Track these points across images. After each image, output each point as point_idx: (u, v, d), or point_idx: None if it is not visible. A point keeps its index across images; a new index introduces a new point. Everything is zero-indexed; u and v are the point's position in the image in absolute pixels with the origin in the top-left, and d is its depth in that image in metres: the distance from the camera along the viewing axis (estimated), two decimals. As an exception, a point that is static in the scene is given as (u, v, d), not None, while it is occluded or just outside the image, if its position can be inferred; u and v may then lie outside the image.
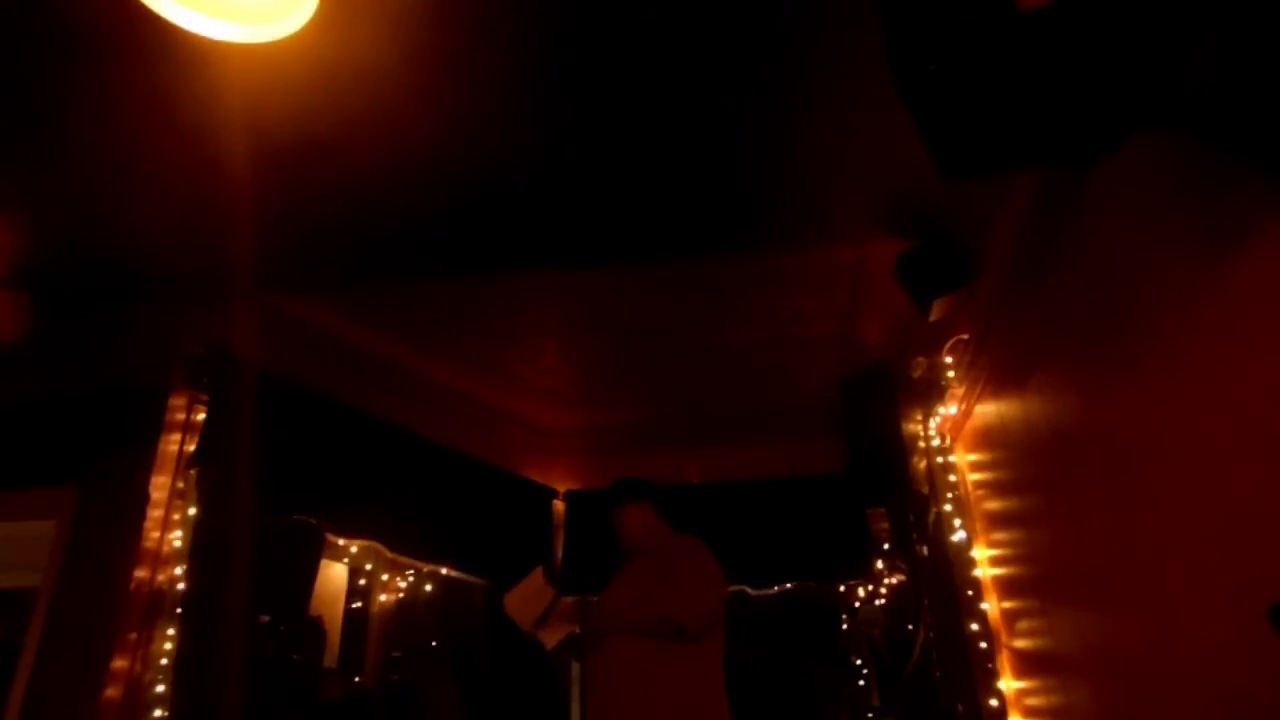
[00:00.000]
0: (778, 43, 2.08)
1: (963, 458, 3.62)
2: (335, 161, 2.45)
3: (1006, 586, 3.19)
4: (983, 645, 3.24)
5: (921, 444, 3.74)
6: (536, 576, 3.06)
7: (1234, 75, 1.34)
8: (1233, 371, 1.58)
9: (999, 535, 3.25)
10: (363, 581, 4.48)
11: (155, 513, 3.21)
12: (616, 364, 3.99)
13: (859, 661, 4.98)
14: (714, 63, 2.15)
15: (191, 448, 3.36)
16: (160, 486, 3.25)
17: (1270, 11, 1.21)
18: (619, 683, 2.82)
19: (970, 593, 3.35)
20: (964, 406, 3.44)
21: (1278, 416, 1.45)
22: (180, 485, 3.31)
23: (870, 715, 4.79)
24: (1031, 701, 2.95)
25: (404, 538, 4.20)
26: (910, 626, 3.96)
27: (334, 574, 4.36)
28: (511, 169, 2.55)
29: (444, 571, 4.54)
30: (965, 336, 3.24)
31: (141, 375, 3.40)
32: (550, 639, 2.97)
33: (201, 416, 3.40)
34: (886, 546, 4.44)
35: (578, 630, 2.97)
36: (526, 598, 3.02)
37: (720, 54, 2.12)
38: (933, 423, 3.69)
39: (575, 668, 4.55)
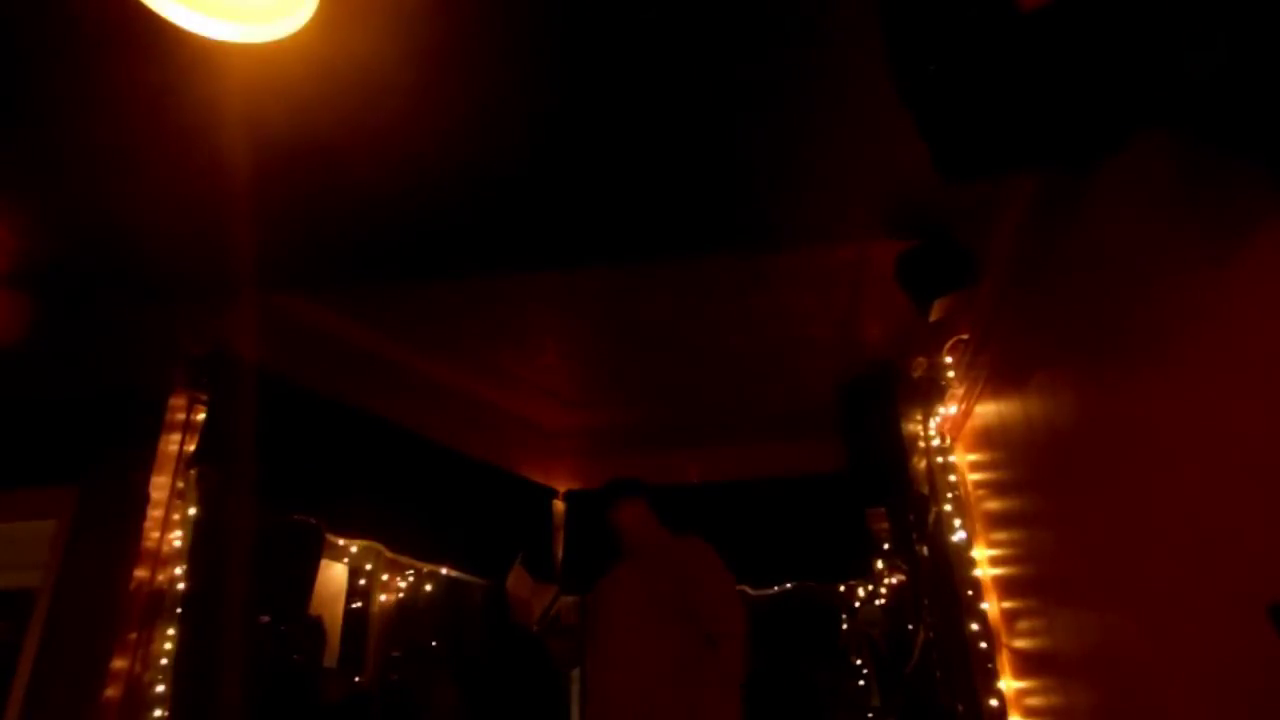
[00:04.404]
0: (778, 43, 2.08)
1: (963, 458, 3.62)
2: (335, 161, 2.45)
3: (1006, 586, 3.19)
4: (983, 645, 3.24)
5: (921, 444, 3.74)
6: (519, 569, 3.10)
7: (1238, 75, 1.34)
8: (1234, 371, 1.58)
9: (999, 535, 3.25)
10: (363, 581, 4.48)
11: (155, 513, 3.21)
12: (616, 364, 3.99)
13: (859, 661, 4.98)
14: (714, 63, 2.15)
15: (191, 448, 3.36)
16: (160, 486, 3.25)
17: (1276, 12, 1.21)
18: (624, 683, 2.82)
19: (970, 593, 3.35)
20: (964, 406, 3.44)
21: (1278, 417, 1.45)
22: (180, 485, 3.31)
23: (870, 715, 4.79)
24: (1031, 701, 2.95)
25: (404, 538, 4.20)
26: (910, 626, 3.96)
27: (334, 574, 4.36)
28: (511, 169, 2.55)
29: (444, 571, 4.54)
30: (965, 336, 3.24)
31: (141, 375, 3.40)
32: (549, 634, 3.01)
33: (201, 416, 3.40)
34: (886, 546, 4.43)
35: (575, 622, 2.98)
36: (523, 581, 3.07)
37: (720, 54, 2.12)
38: (933, 423, 3.69)
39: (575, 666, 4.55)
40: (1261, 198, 1.43)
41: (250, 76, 2.11)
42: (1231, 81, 1.35)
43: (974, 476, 3.52)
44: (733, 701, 2.76)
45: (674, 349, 3.81)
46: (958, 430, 3.61)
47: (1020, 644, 3.06)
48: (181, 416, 3.40)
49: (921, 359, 3.59)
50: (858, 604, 5.02)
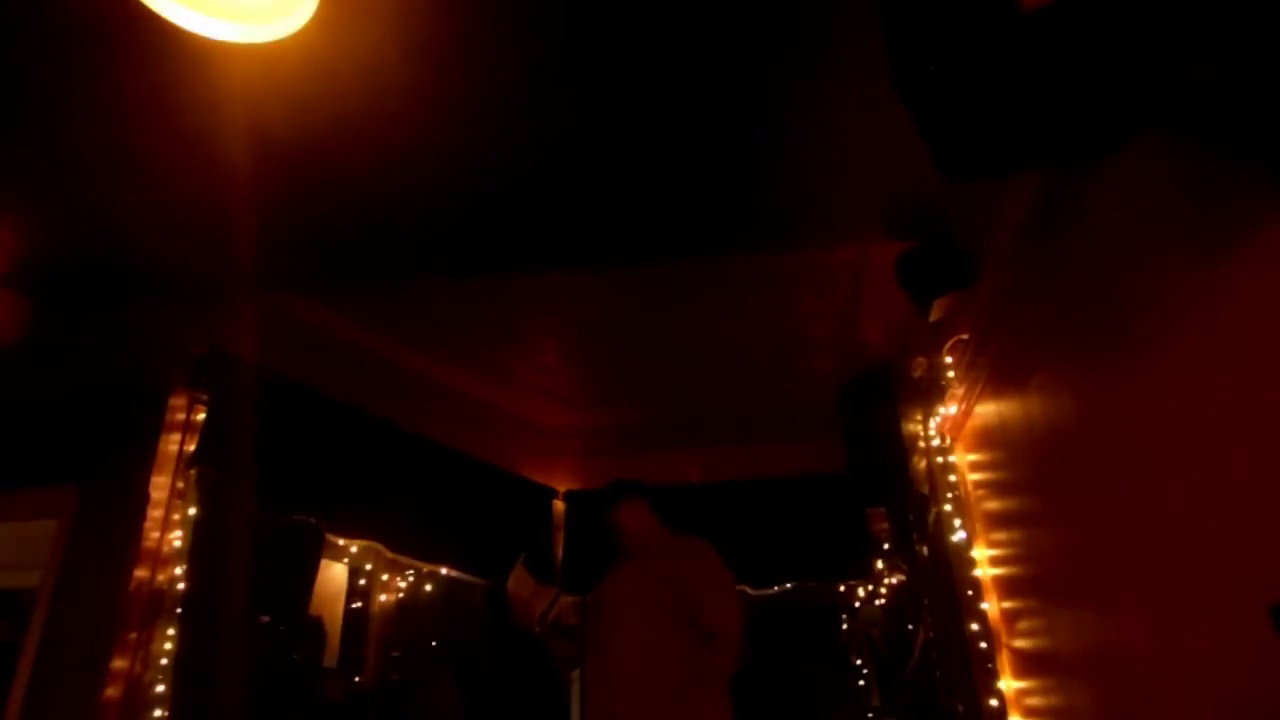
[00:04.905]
0: (779, 43, 2.08)
1: (963, 458, 3.62)
2: (335, 161, 2.45)
3: (1006, 586, 3.19)
4: (983, 645, 3.24)
5: (921, 444, 3.74)
6: (520, 570, 3.11)
7: (1239, 75, 1.34)
8: (1233, 371, 1.58)
9: (999, 535, 3.25)
10: (363, 581, 4.48)
11: (155, 513, 3.21)
12: (616, 364, 3.99)
13: (859, 661, 4.98)
14: (715, 63, 2.15)
15: (191, 448, 3.36)
16: (160, 486, 3.25)
17: (1274, 14, 1.21)
18: (624, 683, 2.82)
19: (970, 593, 3.35)
20: (964, 406, 3.44)
21: (1278, 416, 1.45)
22: (180, 485, 3.31)
23: (870, 715, 4.79)
24: (1031, 701, 2.95)
25: (404, 538, 4.20)
26: (910, 626, 3.96)
27: (334, 574, 4.36)
28: (512, 169, 2.55)
29: (444, 571, 4.54)
30: (965, 336, 3.24)
31: (141, 375, 3.40)
32: (550, 635, 3.01)
33: (201, 416, 3.40)
34: (886, 546, 4.44)
35: (576, 623, 2.99)
36: (524, 581, 3.08)
37: (721, 55, 2.12)
38: (933, 423, 3.69)
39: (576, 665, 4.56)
40: (1261, 198, 1.43)
41: (250, 76, 2.11)
42: (1232, 82, 1.35)
43: (974, 476, 3.52)
44: (724, 700, 2.77)
45: (674, 349, 3.81)
46: (958, 430, 3.61)
47: (1020, 644, 3.06)
48: (181, 416, 3.40)
49: (921, 359, 3.59)
50: (858, 604, 5.02)
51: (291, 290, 3.18)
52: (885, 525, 4.32)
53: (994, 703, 3.11)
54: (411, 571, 4.62)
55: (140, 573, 3.11)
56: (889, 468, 3.84)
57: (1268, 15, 1.22)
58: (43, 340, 3.29)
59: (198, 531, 3.22)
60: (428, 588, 4.65)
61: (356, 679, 4.25)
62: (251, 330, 3.39)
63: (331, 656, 4.19)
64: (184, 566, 3.17)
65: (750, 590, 4.76)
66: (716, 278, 3.26)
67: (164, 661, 3.04)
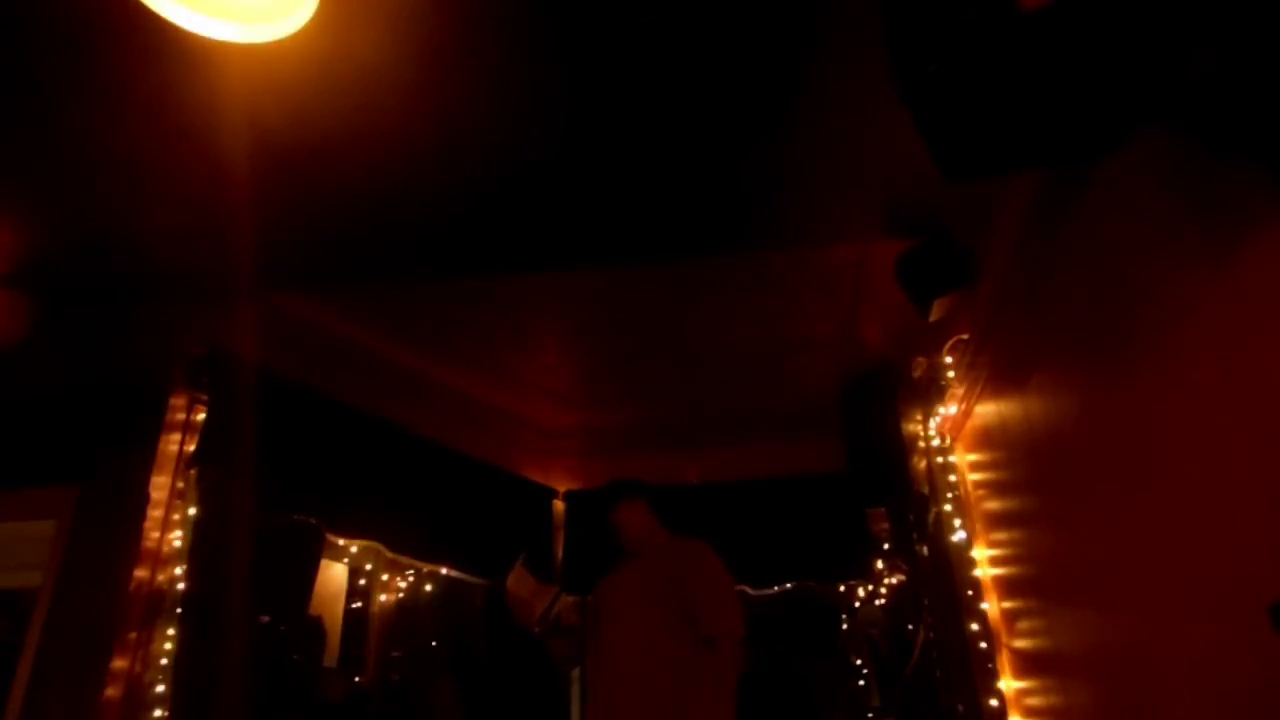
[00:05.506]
0: (779, 43, 2.08)
1: (963, 458, 3.62)
2: (335, 161, 2.45)
3: (1006, 586, 3.19)
4: (983, 645, 3.24)
5: (921, 444, 3.74)
6: (520, 569, 3.12)
7: (1236, 73, 1.34)
8: (1233, 371, 1.58)
9: (999, 535, 3.25)
10: (363, 581, 4.48)
11: (155, 513, 3.21)
12: (617, 364, 3.99)
13: (859, 661, 4.98)
14: (715, 63, 2.15)
15: (191, 448, 3.36)
16: (160, 486, 3.25)
17: (1272, 11, 1.21)
18: (624, 683, 2.82)
19: (970, 593, 3.34)
20: (964, 406, 3.44)
21: (1278, 416, 1.45)
22: (180, 485, 3.31)
23: (870, 715, 4.79)
24: (1031, 701, 2.95)
25: (404, 538, 4.20)
26: (910, 626, 3.96)
27: (334, 574, 4.36)
28: (511, 168, 2.55)
29: (444, 571, 4.54)
30: (965, 336, 3.24)
31: (142, 375, 3.40)
32: (549, 634, 3.02)
33: (201, 416, 3.40)
34: (886, 546, 4.44)
35: (576, 623, 2.99)
36: (524, 581, 3.08)
37: (721, 54, 2.12)
38: (933, 423, 3.69)
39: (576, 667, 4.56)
40: (1261, 197, 1.43)
41: (250, 76, 2.11)
42: (1229, 81, 1.35)
43: (974, 476, 3.52)
44: (727, 703, 2.77)
45: (674, 349, 3.81)
46: (958, 430, 3.61)
47: (1020, 644, 3.06)
48: (181, 416, 3.39)
49: (921, 359, 3.58)
50: (858, 604, 5.02)
51: (292, 290, 3.18)
52: (885, 525, 4.32)
53: (994, 703, 3.11)
54: (411, 571, 4.62)
55: (140, 573, 3.11)
56: (889, 468, 3.84)
57: (1264, 12, 1.22)
58: (43, 340, 3.29)
59: (198, 531, 3.22)
60: (428, 588, 4.66)
61: (356, 679, 4.25)
62: (251, 330, 3.39)
63: (331, 656, 4.19)
64: (184, 566, 3.17)
65: (750, 590, 4.76)
66: (716, 277, 3.26)
67: (164, 661, 3.04)
